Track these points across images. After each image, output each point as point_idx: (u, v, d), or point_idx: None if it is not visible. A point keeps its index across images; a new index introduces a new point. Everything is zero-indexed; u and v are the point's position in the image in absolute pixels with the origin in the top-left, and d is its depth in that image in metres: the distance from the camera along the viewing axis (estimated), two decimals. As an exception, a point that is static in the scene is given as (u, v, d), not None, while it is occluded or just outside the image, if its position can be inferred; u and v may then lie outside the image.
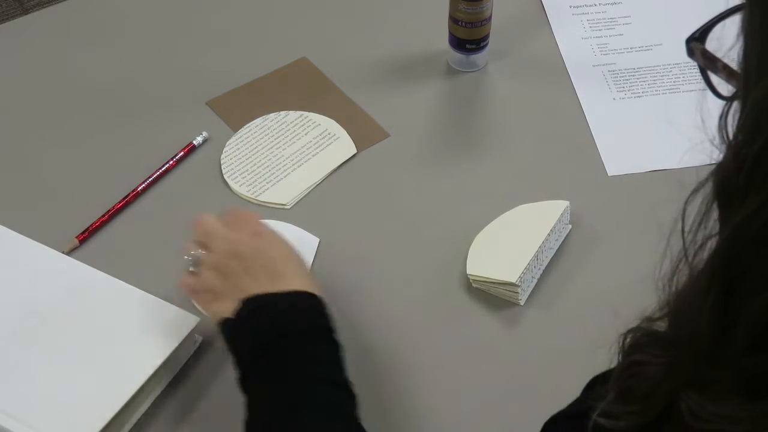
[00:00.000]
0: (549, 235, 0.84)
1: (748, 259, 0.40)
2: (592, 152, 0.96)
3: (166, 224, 0.90)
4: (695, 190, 0.43)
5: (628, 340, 0.49)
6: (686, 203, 0.44)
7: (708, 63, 0.45)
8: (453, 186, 0.94)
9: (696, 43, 0.46)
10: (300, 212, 0.92)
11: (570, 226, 0.89)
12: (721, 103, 0.43)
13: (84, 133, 1.00)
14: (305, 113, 1.01)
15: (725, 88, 0.44)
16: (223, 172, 0.95)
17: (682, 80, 1.04)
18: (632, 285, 0.83)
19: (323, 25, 1.13)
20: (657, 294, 0.47)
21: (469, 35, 1.03)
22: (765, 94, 0.38)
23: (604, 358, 0.52)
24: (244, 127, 1.00)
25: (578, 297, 0.84)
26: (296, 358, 0.68)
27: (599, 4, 1.16)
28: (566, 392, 0.57)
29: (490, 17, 1.02)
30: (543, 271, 0.85)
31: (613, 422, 0.46)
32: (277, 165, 0.96)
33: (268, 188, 0.94)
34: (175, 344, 0.76)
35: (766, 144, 0.38)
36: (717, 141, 0.42)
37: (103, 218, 0.90)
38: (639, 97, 1.03)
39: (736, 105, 0.41)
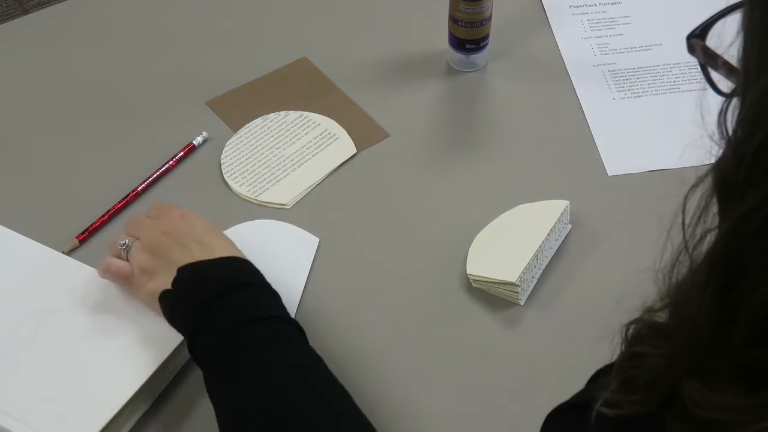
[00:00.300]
0: (549, 235, 0.84)
1: (747, 253, 0.40)
2: (592, 152, 0.96)
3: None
4: (695, 185, 0.43)
5: (630, 331, 0.49)
6: (686, 198, 0.44)
7: (708, 60, 0.46)
8: (453, 186, 0.94)
9: (696, 39, 0.46)
10: (300, 212, 0.92)
11: (570, 226, 0.89)
12: (720, 99, 0.43)
13: (84, 133, 1.00)
14: (305, 113, 1.01)
15: (725, 84, 0.44)
16: (223, 172, 0.95)
17: (682, 80, 1.04)
18: (632, 285, 0.83)
19: (323, 25, 1.13)
20: (657, 285, 0.47)
21: (469, 35, 1.03)
22: (765, 90, 0.38)
23: (605, 356, 0.52)
24: (244, 127, 1.00)
25: (578, 297, 0.84)
26: (239, 307, 0.71)
27: (599, 4, 1.16)
28: (566, 392, 0.57)
29: (490, 17, 1.02)
30: (543, 271, 0.85)
31: (615, 411, 0.46)
32: (277, 165, 0.96)
33: (268, 188, 0.94)
34: (175, 344, 0.76)
35: (766, 140, 0.38)
36: (716, 137, 0.42)
37: (103, 218, 0.90)
38: (639, 97, 1.03)
39: (735, 101, 0.41)
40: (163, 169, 0.95)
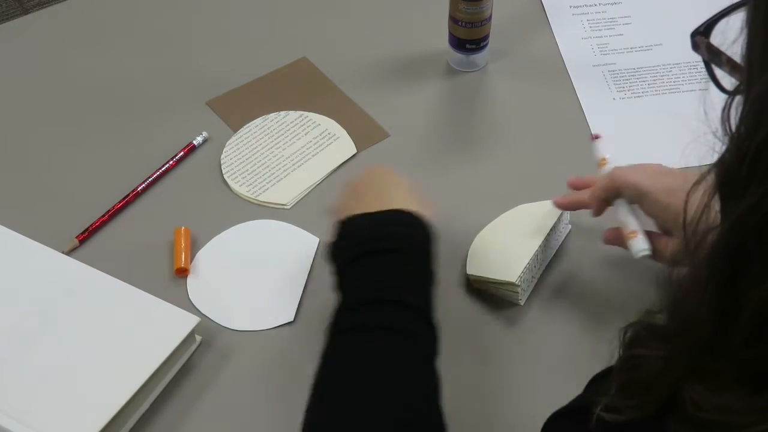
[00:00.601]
0: (549, 235, 0.84)
1: (750, 250, 0.40)
2: (592, 152, 0.96)
3: (166, 224, 0.90)
4: (697, 182, 0.43)
5: (628, 334, 0.49)
6: (688, 194, 0.44)
7: (712, 57, 0.46)
8: (453, 186, 0.94)
9: (701, 36, 0.47)
10: (300, 212, 0.92)
11: (570, 226, 0.89)
12: (723, 96, 0.43)
13: (84, 133, 1.00)
14: (305, 113, 1.02)
15: (728, 82, 0.44)
16: (223, 172, 0.95)
17: (682, 80, 1.04)
18: (632, 285, 0.83)
19: (323, 25, 1.13)
20: (657, 286, 0.47)
21: (469, 35, 1.03)
22: (767, 87, 0.38)
23: (604, 357, 0.52)
24: (244, 127, 1.00)
25: (578, 297, 0.84)
26: (375, 273, 0.70)
27: (599, 4, 1.16)
28: (566, 392, 0.57)
29: (490, 17, 1.02)
30: (543, 271, 0.85)
31: (614, 416, 0.46)
32: (277, 165, 0.96)
33: (268, 188, 0.94)
34: (175, 344, 0.76)
35: None
36: (719, 134, 0.42)
37: (103, 218, 0.90)
38: (639, 97, 1.03)
39: (738, 98, 0.41)
40: (163, 169, 0.95)
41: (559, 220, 0.85)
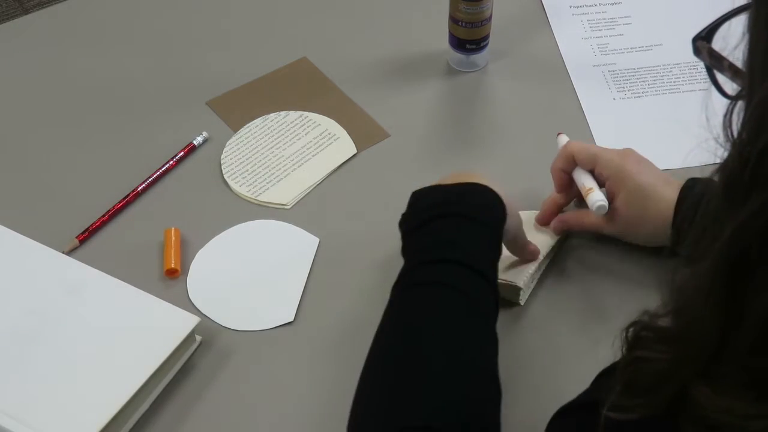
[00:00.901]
0: (555, 245, 0.85)
1: (753, 256, 0.40)
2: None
3: (166, 224, 0.90)
4: (696, 188, 0.43)
5: (630, 334, 0.49)
6: (688, 199, 0.44)
7: (714, 62, 0.46)
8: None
9: (702, 42, 0.46)
10: (300, 212, 0.92)
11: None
12: (725, 101, 0.43)
13: (84, 133, 1.00)
14: (305, 113, 1.01)
15: (730, 87, 0.44)
16: (223, 172, 0.95)
17: (682, 80, 1.04)
18: (633, 285, 0.83)
19: (323, 25, 1.13)
20: (660, 289, 0.47)
21: (469, 35, 1.03)
22: None
23: (606, 356, 0.52)
24: (244, 127, 1.00)
25: (578, 297, 0.84)
26: (436, 237, 0.71)
27: (599, 4, 1.16)
28: (567, 391, 0.57)
29: (490, 17, 1.02)
30: (543, 271, 0.85)
31: (622, 415, 0.46)
32: (277, 165, 0.96)
33: (268, 188, 0.94)
34: (175, 344, 0.76)
35: None
36: (722, 139, 0.42)
37: (103, 218, 0.90)
38: (639, 97, 1.03)
39: (740, 103, 0.41)
40: (163, 169, 0.95)
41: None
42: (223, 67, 1.07)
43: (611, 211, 0.81)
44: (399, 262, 0.86)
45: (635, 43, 1.10)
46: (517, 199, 0.89)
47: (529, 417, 0.66)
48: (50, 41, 1.11)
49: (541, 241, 0.84)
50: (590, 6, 1.16)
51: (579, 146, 0.84)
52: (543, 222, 0.86)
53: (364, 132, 0.99)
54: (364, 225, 0.91)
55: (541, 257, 0.83)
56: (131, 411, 0.74)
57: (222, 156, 0.97)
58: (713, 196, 0.42)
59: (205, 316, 0.82)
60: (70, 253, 0.87)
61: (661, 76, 1.05)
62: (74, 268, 0.83)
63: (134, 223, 0.91)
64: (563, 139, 0.90)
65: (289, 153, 0.97)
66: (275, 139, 0.99)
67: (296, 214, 0.92)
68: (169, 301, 0.80)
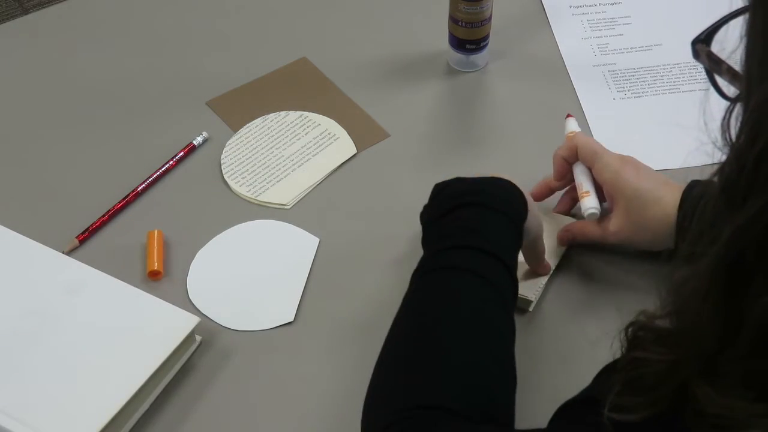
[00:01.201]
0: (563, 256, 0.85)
1: (751, 261, 0.40)
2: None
3: (166, 224, 0.90)
4: (695, 190, 0.43)
5: (629, 334, 0.49)
6: (688, 201, 0.44)
7: (713, 65, 0.46)
8: (453, 186, 0.94)
9: (702, 45, 0.46)
10: (300, 212, 0.92)
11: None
12: (723, 104, 0.43)
13: (84, 133, 1.00)
14: (305, 113, 1.02)
15: (730, 89, 0.44)
16: (223, 172, 0.95)
17: (682, 80, 1.04)
18: (633, 285, 0.83)
19: (323, 25, 1.13)
20: (658, 291, 0.47)
21: (469, 35, 1.03)
22: (766, 97, 0.38)
23: (605, 356, 0.52)
24: (244, 127, 1.00)
25: (578, 297, 0.84)
26: (456, 225, 0.72)
27: (599, 4, 1.16)
28: (568, 391, 0.57)
29: (490, 17, 1.02)
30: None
31: (624, 416, 0.46)
32: (277, 165, 0.96)
33: (268, 188, 0.94)
34: (175, 344, 0.76)
35: (766, 147, 0.38)
36: (720, 143, 0.42)
37: (103, 218, 0.90)
38: (639, 97, 1.03)
39: (738, 107, 0.41)
40: (163, 169, 0.95)
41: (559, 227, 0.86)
42: (223, 67, 1.07)
43: (613, 221, 0.81)
44: (399, 262, 0.86)
45: (635, 43, 1.10)
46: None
47: (529, 417, 0.66)
48: (50, 41, 1.11)
49: (550, 249, 0.84)
50: (590, 6, 1.16)
51: (584, 140, 0.85)
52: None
53: (364, 132, 1.00)
54: (364, 225, 0.91)
55: (551, 270, 0.83)
56: (131, 411, 0.74)
57: (222, 156, 0.97)
58: (711, 197, 0.42)
59: (205, 316, 0.82)
60: (70, 253, 0.87)
61: (661, 76, 1.05)
62: (74, 268, 0.83)
63: (134, 223, 0.91)
64: (571, 123, 0.90)
65: (289, 153, 0.97)
66: (275, 139, 0.99)
67: (296, 214, 0.92)
68: (169, 301, 0.80)
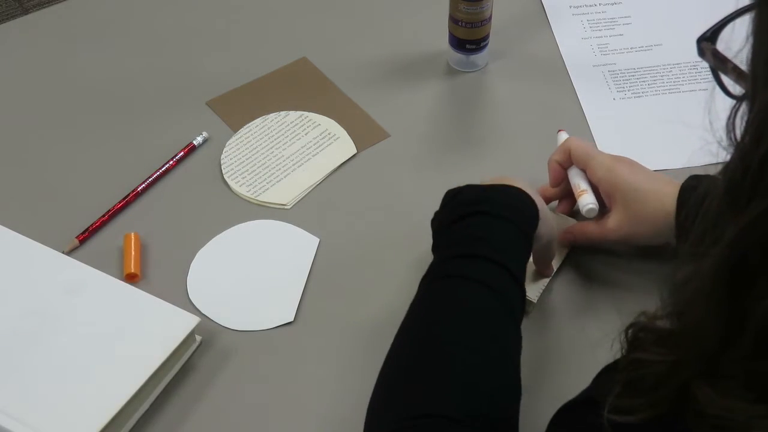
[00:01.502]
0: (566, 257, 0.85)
1: (755, 262, 0.40)
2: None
3: (166, 224, 0.90)
4: (699, 188, 0.43)
5: (629, 335, 0.49)
6: (690, 200, 0.44)
7: (718, 63, 0.45)
8: (453, 186, 0.94)
9: (707, 43, 0.46)
10: (300, 212, 0.92)
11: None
12: (728, 103, 0.43)
13: (84, 133, 1.00)
14: (305, 113, 1.02)
15: (736, 88, 0.44)
16: (223, 172, 0.95)
17: (682, 80, 1.04)
18: (633, 285, 0.83)
19: (323, 25, 1.13)
20: (660, 291, 0.47)
21: (469, 35, 1.03)
22: None
23: (605, 357, 0.52)
24: (244, 127, 1.00)
25: (578, 297, 0.84)
26: (463, 235, 0.72)
27: (599, 4, 1.16)
28: (568, 391, 0.57)
29: (490, 17, 1.02)
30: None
31: (624, 417, 0.46)
32: (277, 165, 0.96)
33: (268, 188, 0.94)
34: (175, 344, 0.76)
35: None
36: (725, 142, 0.42)
37: (103, 218, 0.90)
38: (639, 97, 1.03)
39: (744, 106, 0.41)
40: (163, 169, 0.95)
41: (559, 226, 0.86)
42: (223, 67, 1.07)
43: (612, 217, 0.81)
44: (399, 262, 0.86)
45: (635, 43, 1.10)
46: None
47: (528, 417, 0.66)
48: (50, 41, 1.11)
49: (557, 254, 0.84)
50: (590, 6, 1.16)
51: (577, 143, 0.85)
52: None
53: (364, 132, 1.00)
54: (364, 225, 0.91)
55: (553, 272, 0.83)
56: (131, 411, 0.74)
57: (222, 156, 0.97)
58: (714, 197, 0.42)
59: (205, 316, 0.82)
60: (70, 253, 0.87)
61: (661, 76, 1.05)
62: (74, 268, 0.83)
63: (134, 223, 0.91)
64: (563, 137, 0.91)
65: (289, 153, 0.97)
66: (275, 139, 0.99)
67: (296, 214, 0.92)
68: (169, 301, 0.80)
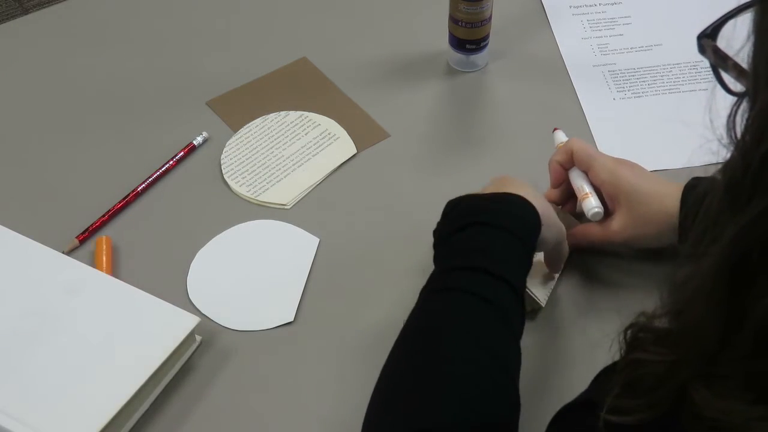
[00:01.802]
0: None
1: (754, 262, 0.40)
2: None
3: (166, 224, 0.90)
4: (698, 187, 0.43)
5: (628, 335, 0.49)
6: (690, 199, 0.44)
7: (719, 60, 0.45)
8: (453, 186, 0.93)
9: (707, 39, 0.46)
10: (300, 212, 0.92)
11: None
12: (728, 101, 0.43)
13: (84, 133, 1.00)
14: (305, 113, 1.02)
15: (737, 86, 0.44)
16: (223, 172, 0.95)
17: (682, 80, 1.04)
18: (633, 286, 0.83)
19: (323, 25, 1.13)
20: (660, 290, 0.47)
21: (469, 35, 1.03)
22: None
23: (604, 357, 0.52)
24: (244, 127, 1.00)
25: (579, 298, 0.84)
26: (463, 247, 0.71)
27: (599, 4, 1.16)
28: (567, 392, 0.57)
29: (490, 17, 1.02)
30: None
31: (622, 418, 0.46)
32: (277, 165, 0.96)
33: (268, 188, 0.94)
34: (175, 344, 0.76)
35: None
36: (725, 140, 0.42)
37: (103, 218, 0.90)
38: (639, 97, 1.03)
39: (744, 104, 0.41)
40: (163, 169, 0.95)
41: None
42: (223, 67, 1.07)
43: (616, 220, 0.81)
44: (399, 262, 0.86)
45: (635, 43, 1.10)
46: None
47: (528, 417, 0.66)
48: (50, 41, 1.11)
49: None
50: (590, 6, 1.16)
51: (579, 145, 0.84)
52: None
53: (364, 132, 1.00)
54: (364, 225, 0.91)
55: (557, 275, 0.83)
56: (131, 411, 0.74)
57: (222, 156, 0.97)
58: (714, 196, 0.42)
59: (205, 316, 0.82)
60: (70, 253, 0.87)
61: (661, 76, 1.05)
62: (74, 268, 0.83)
63: (134, 223, 0.91)
64: (559, 135, 0.91)
65: (289, 153, 0.97)
66: (275, 139, 0.99)
67: (296, 214, 0.92)
68: (169, 301, 0.80)
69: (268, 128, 1.00)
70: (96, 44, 1.11)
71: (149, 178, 0.94)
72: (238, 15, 1.15)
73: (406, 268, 0.86)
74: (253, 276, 0.86)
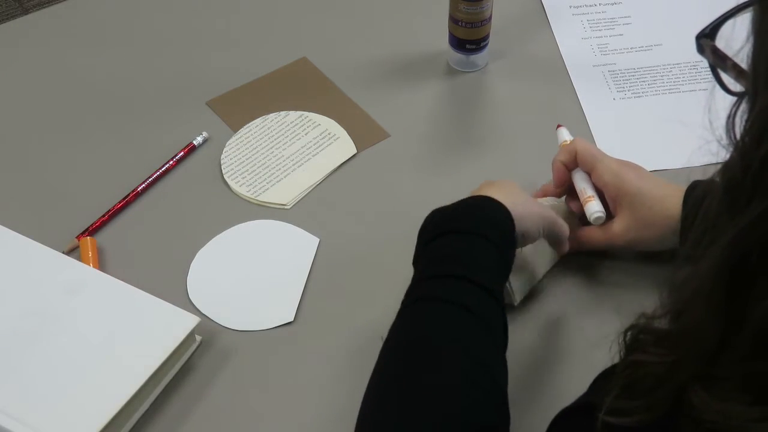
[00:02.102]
0: (556, 261, 0.85)
1: (753, 263, 0.40)
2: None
3: (166, 224, 0.90)
4: (698, 189, 0.43)
5: (628, 337, 0.49)
6: (690, 201, 0.44)
7: (717, 61, 0.45)
8: (453, 186, 0.93)
9: (706, 39, 0.46)
10: (300, 212, 0.92)
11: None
12: (728, 102, 0.42)
13: (84, 133, 1.00)
14: (305, 113, 1.02)
15: (736, 86, 0.44)
16: (223, 172, 0.95)
17: (682, 80, 1.04)
18: (633, 286, 0.83)
19: (323, 25, 1.13)
20: (659, 291, 0.47)
21: (469, 35, 1.03)
22: None
23: (603, 358, 0.52)
24: (244, 127, 1.00)
25: (578, 297, 0.84)
26: (442, 255, 0.71)
27: (599, 4, 1.16)
28: (566, 392, 0.57)
29: (490, 17, 1.02)
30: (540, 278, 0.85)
31: (620, 419, 0.46)
32: (277, 165, 0.96)
33: (268, 188, 0.94)
34: (175, 344, 0.76)
35: None
36: (724, 141, 0.42)
37: (103, 218, 0.90)
38: (639, 97, 1.03)
39: (744, 105, 0.41)
40: (163, 169, 0.95)
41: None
42: (223, 67, 1.07)
43: (618, 222, 0.81)
44: (399, 262, 0.86)
45: (635, 43, 1.10)
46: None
47: (528, 417, 0.66)
48: (50, 41, 1.11)
49: (544, 251, 0.84)
50: (590, 6, 1.16)
51: (584, 145, 0.84)
52: None
53: (364, 132, 1.00)
54: (364, 225, 0.91)
55: (545, 269, 0.83)
56: (131, 411, 0.74)
57: (222, 156, 0.97)
58: (714, 197, 0.42)
59: (205, 316, 0.82)
60: (70, 253, 0.87)
61: (661, 76, 1.05)
62: (74, 268, 0.83)
63: (134, 224, 0.91)
64: (563, 132, 0.91)
65: (289, 153, 0.97)
66: (275, 139, 0.99)
67: (296, 214, 0.92)
68: (169, 301, 0.80)
69: (268, 128, 1.00)
70: (96, 44, 1.11)
71: (149, 178, 0.94)
72: (238, 15, 1.15)
73: (406, 268, 0.86)
74: (253, 276, 0.86)
